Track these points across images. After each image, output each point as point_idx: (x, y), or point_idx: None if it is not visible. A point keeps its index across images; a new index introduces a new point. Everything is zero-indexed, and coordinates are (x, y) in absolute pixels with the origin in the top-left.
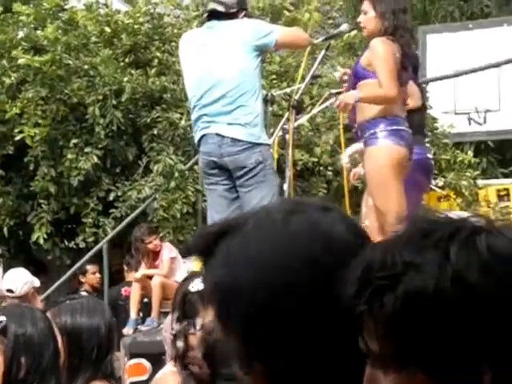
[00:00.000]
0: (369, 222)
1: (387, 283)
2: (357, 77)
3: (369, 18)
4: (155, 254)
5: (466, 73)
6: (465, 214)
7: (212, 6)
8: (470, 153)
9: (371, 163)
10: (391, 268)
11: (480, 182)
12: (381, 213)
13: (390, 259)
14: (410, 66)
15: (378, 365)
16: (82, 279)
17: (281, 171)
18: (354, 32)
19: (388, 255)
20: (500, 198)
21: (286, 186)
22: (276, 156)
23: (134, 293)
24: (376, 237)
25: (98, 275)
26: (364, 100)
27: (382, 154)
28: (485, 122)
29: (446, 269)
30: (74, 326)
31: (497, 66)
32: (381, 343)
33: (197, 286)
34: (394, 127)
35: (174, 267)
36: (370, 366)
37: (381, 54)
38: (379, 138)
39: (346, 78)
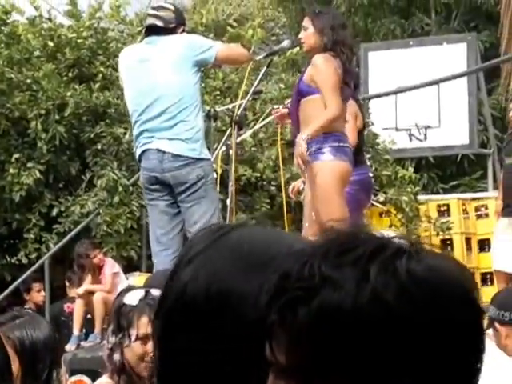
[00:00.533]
0: (311, 237)
1: (303, 295)
2: (301, 94)
3: (308, 33)
4: (98, 269)
5: (406, 90)
6: (391, 234)
7: (151, 21)
8: (411, 169)
9: (317, 178)
10: (308, 280)
11: (421, 197)
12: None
13: (307, 270)
14: (351, 82)
15: (282, 376)
16: (26, 297)
17: (225, 186)
18: (297, 49)
19: (306, 266)
20: (440, 213)
21: (228, 201)
22: (220, 171)
23: (77, 309)
24: None
25: (42, 293)
26: (315, 135)
27: (328, 170)
28: (425, 138)
29: (364, 288)
30: (30, 340)
31: (437, 83)
32: (289, 356)
33: (131, 298)
34: (340, 144)
35: (116, 283)
36: (272, 376)
37: (323, 70)
38: (325, 153)
39: (277, 115)
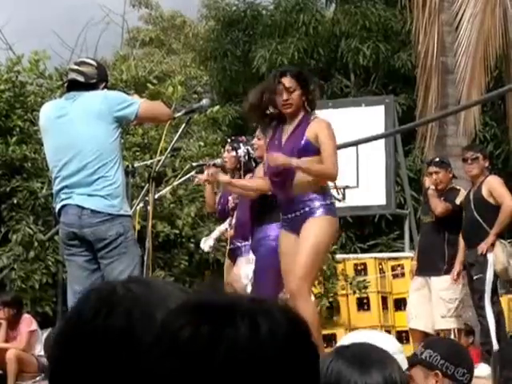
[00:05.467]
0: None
1: None
2: (305, 150)
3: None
4: (14, 326)
5: None
6: None
7: (72, 75)
8: None
9: (316, 230)
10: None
11: (338, 256)
12: (297, 274)
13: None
14: None
15: None
16: None
17: (143, 242)
18: (217, 107)
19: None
20: (357, 272)
21: (145, 258)
22: (138, 227)
23: None
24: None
25: None
26: (303, 168)
27: (325, 225)
28: (344, 197)
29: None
30: None
31: (355, 144)
32: None
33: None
34: (331, 201)
35: (33, 341)
36: None
37: (331, 135)
38: (321, 209)
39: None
